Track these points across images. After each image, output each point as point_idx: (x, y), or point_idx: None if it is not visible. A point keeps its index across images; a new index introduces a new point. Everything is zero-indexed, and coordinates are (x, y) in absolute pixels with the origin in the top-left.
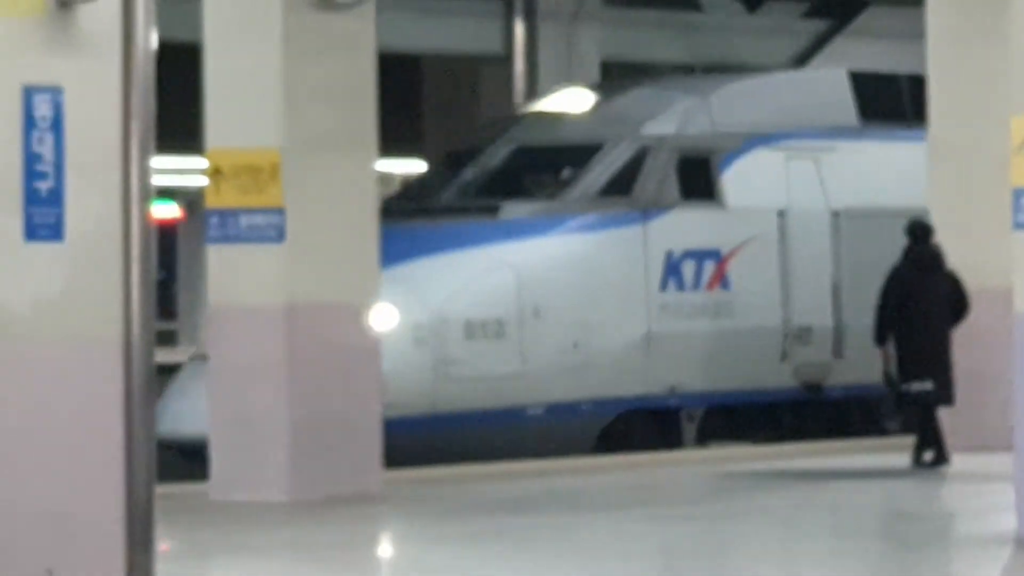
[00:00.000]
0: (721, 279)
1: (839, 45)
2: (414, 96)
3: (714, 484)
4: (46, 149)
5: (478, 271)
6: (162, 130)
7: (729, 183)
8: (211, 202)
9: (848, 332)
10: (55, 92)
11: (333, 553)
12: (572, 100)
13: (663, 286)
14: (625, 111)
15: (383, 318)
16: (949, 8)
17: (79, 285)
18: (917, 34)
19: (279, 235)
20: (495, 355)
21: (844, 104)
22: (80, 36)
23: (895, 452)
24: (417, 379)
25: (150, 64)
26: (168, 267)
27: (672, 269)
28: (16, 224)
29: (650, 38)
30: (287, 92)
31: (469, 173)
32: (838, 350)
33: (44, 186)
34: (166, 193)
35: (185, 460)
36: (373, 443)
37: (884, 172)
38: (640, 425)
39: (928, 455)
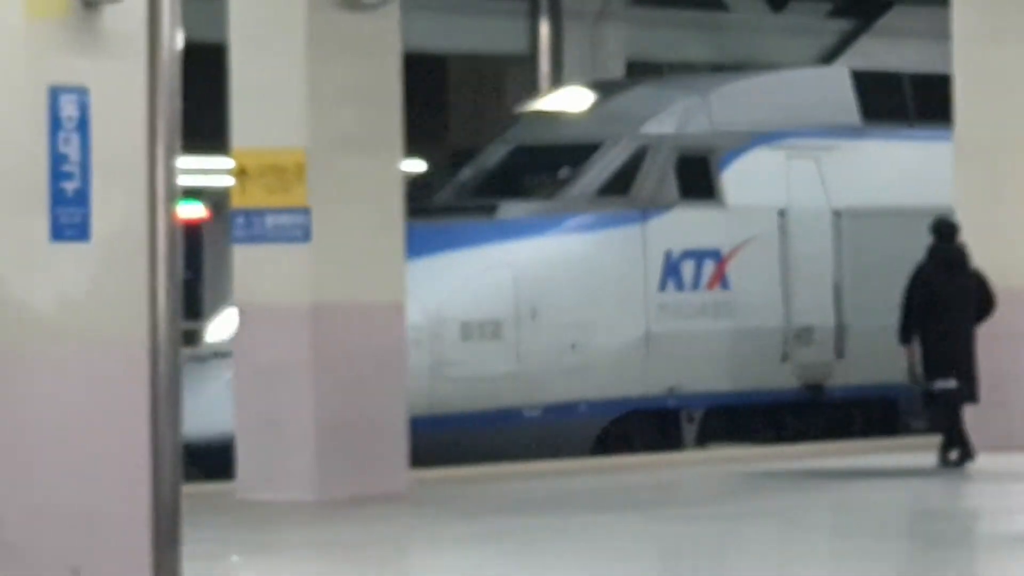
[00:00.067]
0: (721, 279)
1: (864, 44)
2: (439, 96)
3: (733, 484)
4: (72, 149)
5: (475, 271)
6: (188, 130)
7: (729, 182)
8: (237, 202)
9: (850, 332)
10: (81, 93)
11: (359, 553)
12: (571, 99)
13: (662, 286)
14: (624, 110)
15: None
16: (975, 7)
17: (105, 285)
18: (943, 34)
19: (305, 235)
20: (492, 356)
21: (846, 103)
22: (106, 37)
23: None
24: (413, 380)
25: (176, 64)
26: (194, 267)
27: (671, 269)
28: (42, 224)
29: (675, 37)
30: (312, 92)
31: (467, 172)
32: (840, 350)
33: (70, 186)
34: (192, 193)
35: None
36: (399, 442)
37: (886, 171)
38: (639, 426)
39: (954, 454)
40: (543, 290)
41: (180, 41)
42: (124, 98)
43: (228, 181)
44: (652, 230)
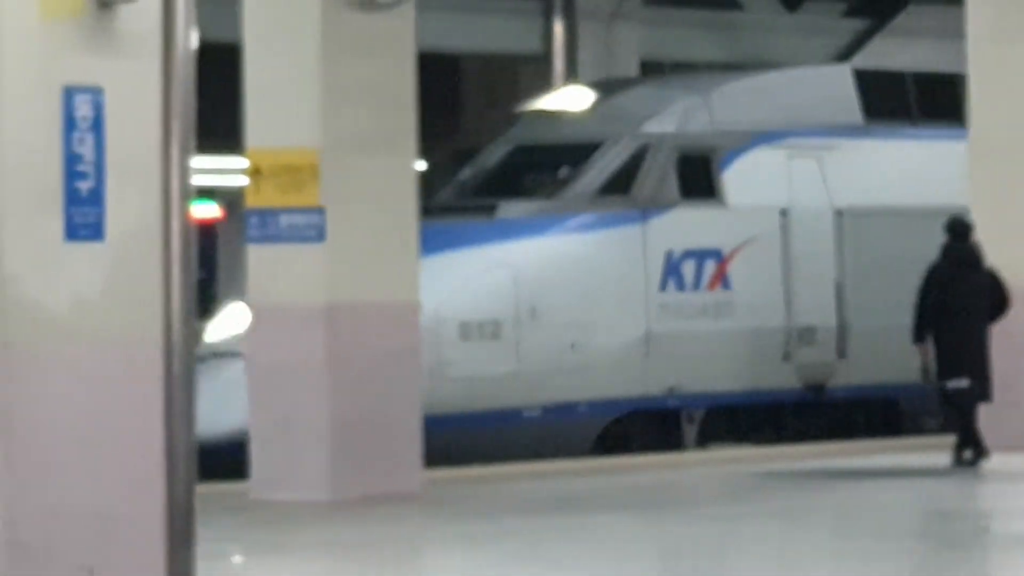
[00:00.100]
0: (722, 279)
1: (879, 44)
2: (453, 96)
3: (746, 484)
4: (86, 149)
5: (474, 271)
6: (202, 130)
7: (730, 181)
8: (251, 202)
9: (852, 332)
10: (95, 92)
11: (372, 552)
12: (571, 98)
13: (663, 286)
14: (624, 109)
15: None
16: (989, 6)
17: (119, 285)
18: (957, 33)
19: (319, 235)
20: (491, 356)
21: (848, 102)
22: (120, 36)
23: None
24: None
25: (190, 64)
26: (208, 267)
27: (672, 269)
28: (57, 224)
29: (689, 37)
30: (326, 92)
31: (467, 172)
32: (841, 350)
33: (84, 186)
34: (206, 193)
35: None
36: (413, 442)
37: (888, 171)
38: (639, 427)
39: (968, 453)
40: (543, 290)
41: (195, 41)
42: (139, 98)
43: (242, 181)
44: (653, 230)
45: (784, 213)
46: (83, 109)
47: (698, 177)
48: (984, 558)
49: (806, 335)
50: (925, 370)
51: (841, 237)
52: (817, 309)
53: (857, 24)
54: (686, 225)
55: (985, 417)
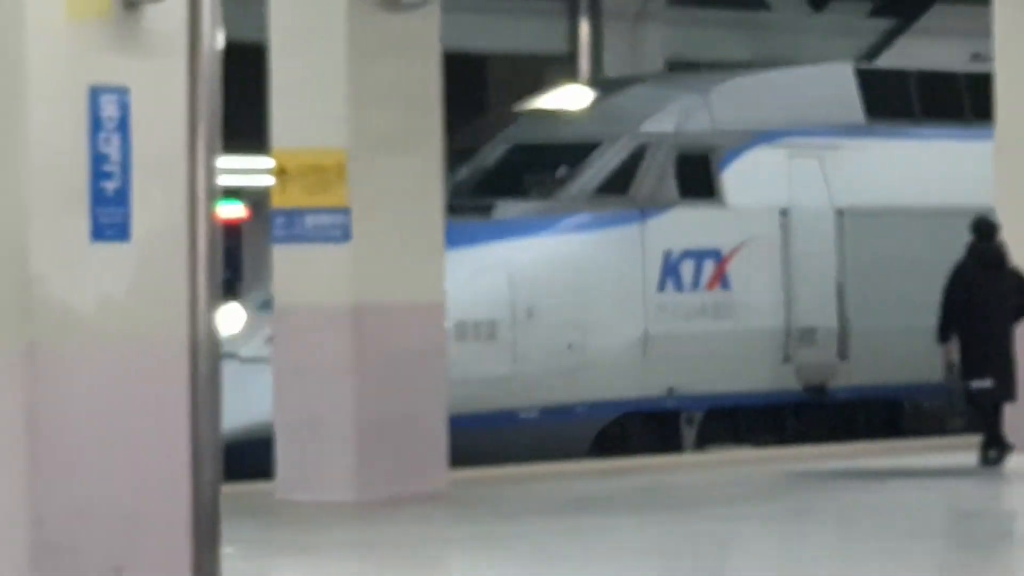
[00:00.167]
0: (721, 279)
1: (905, 43)
2: (479, 96)
3: (774, 483)
4: (113, 149)
5: (471, 271)
6: (228, 130)
7: (730, 181)
8: (277, 202)
9: (853, 333)
10: (121, 92)
11: (398, 553)
12: (569, 97)
13: (661, 286)
14: (623, 108)
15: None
16: (1016, 5)
17: (145, 285)
18: (983, 32)
19: (344, 235)
20: (487, 357)
21: (850, 101)
22: (146, 36)
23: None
24: None
25: (216, 64)
26: (233, 267)
27: (671, 269)
28: (83, 224)
29: (715, 37)
30: (352, 92)
31: (464, 171)
32: (843, 351)
33: (111, 186)
34: (232, 193)
35: None
36: (439, 443)
37: (890, 170)
38: (638, 428)
39: (993, 453)
40: (540, 290)
41: (220, 41)
42: (164, 98)
43: (268, 181)
44: (651, 230)
45: (784, 213)
46: (109, 109)
47: (697, 177)
48: (1008, 558)
49: (807, 336)
50: (949, 369)
51: (842, 237)
52: (818, 310)
53: (883, 24)
54: (685, 225)
55: (1011, 416)
